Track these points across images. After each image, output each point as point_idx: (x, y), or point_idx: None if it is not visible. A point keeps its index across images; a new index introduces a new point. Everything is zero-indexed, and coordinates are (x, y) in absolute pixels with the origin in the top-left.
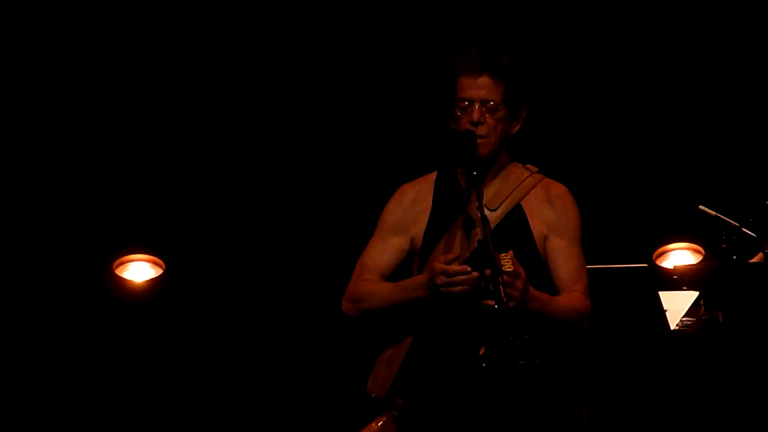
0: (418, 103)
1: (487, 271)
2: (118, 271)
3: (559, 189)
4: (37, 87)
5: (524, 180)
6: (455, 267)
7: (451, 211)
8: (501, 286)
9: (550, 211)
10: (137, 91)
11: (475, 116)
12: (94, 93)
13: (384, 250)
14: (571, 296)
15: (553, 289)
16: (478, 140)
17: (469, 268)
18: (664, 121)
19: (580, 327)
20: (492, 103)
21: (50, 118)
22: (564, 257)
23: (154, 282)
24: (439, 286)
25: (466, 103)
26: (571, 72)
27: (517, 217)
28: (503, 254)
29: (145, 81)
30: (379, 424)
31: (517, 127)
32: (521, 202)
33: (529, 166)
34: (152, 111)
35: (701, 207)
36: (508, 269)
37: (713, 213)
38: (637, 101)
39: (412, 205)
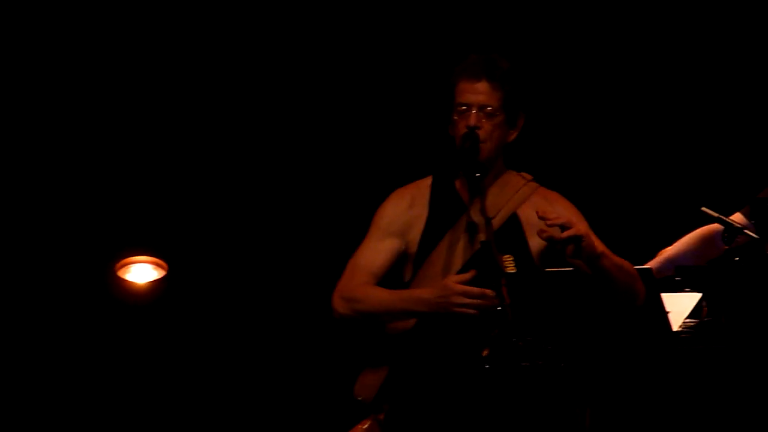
0: (415, 109)
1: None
2: (120, 273)
3: (554, 195)
4: (39, 89)
5: (520, 188)
6: (476, 289)
7: (448, 215)
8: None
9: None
10: (139, 93)
11: (473, 120)
12: (96, 95)
13: (378, 251)
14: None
15: None
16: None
17: (491, 293)
18: (666, 122)
19: (638, 290)
20: (490, 108)
21: (53, 121)
22: None
23: (156, 284)
24: (453, 304)
25: (464, 107)
26: (571, 75)
27: (513, 226)
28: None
29: (147, 84)
30: (365, 427)
31: (514, 135)
32: (517, 211)
33: (524, 174)
34: (155, 114)
35: (704, 209)
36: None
37: (716, 214)
38: (639, 103)
39: (407, 209)
